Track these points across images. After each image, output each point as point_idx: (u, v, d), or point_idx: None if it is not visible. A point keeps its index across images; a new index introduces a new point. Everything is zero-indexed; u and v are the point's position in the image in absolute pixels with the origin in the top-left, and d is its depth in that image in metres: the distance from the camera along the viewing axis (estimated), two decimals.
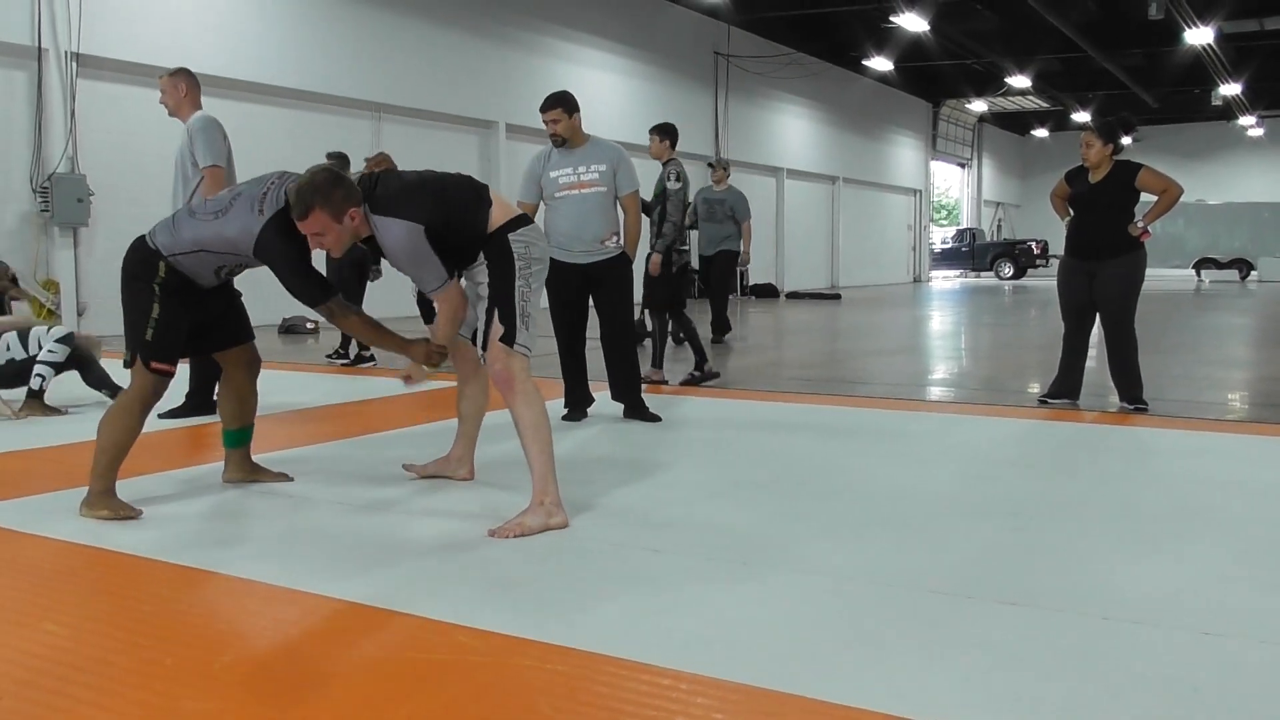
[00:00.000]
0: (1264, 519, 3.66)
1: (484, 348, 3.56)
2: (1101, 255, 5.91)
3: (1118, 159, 5.95)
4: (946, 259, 35.04)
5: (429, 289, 3.53)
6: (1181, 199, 5.98)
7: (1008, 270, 32.36)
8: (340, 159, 7.56)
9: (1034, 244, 33.00)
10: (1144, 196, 5.93)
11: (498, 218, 3.56)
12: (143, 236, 3.68)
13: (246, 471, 4.07)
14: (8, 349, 5.72)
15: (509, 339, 3.49)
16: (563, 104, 5.42)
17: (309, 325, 11.75)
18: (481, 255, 3.58)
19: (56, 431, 5.21)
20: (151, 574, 3.03)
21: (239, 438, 4.03)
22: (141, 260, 3.62)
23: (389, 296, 9.19)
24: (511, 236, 3.54)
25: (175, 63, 12.09)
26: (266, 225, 3.45)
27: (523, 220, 3.62)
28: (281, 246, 3.46)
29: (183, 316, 3.65)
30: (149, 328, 3.58)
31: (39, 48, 10.86)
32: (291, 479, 4.11)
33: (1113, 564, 3.08)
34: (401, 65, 14.86)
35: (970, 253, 34.17)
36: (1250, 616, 2.63)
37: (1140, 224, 5.86)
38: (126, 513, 3.55)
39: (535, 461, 3.46)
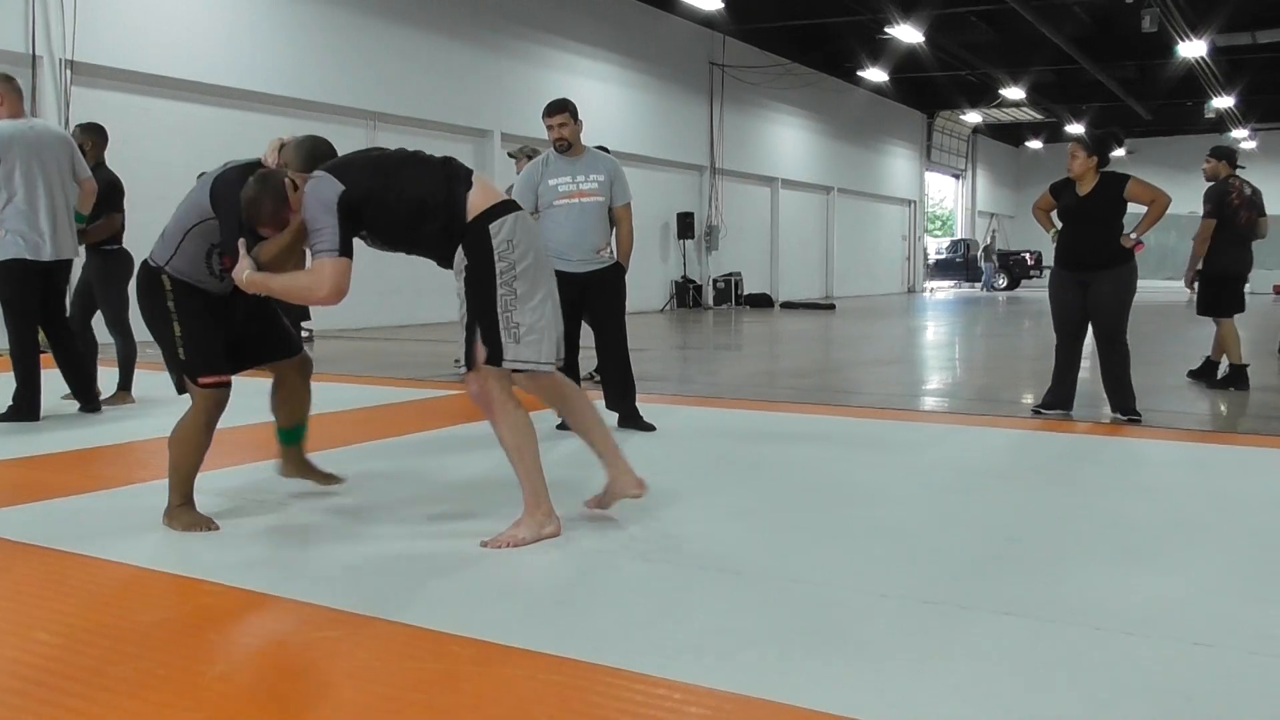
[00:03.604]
0: (1256, 530, 3.68)
1: (468, 366, 3.32)
2: (1093, 267, 5.92)
3: (1105, 171, 5.97)
4: (941, 269, 35.08)
5: (316, 247, 3.22)
6: (1175, 211, 6.01)
7: (1001, 281, 32.47)
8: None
9: (1028, 255, 33.11)
10: (1132, 207, 5.95)
11: (477, 203, 3.22)
12: (145, 260, 3.70)
13: (300, 468, 4.08)
14: None
15: (495, 359, 3.23)
16: (570, 109, 5.47)
17: (304, 333, 11.73)
18: (461, 253, 3.24)
19: (50, 440, 5.19)
20: (144, 583, 3.03)
21: (293, 435, 4.04)
22: (145, 281, 3.63)
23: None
24: (491, 227, 3.20)
25: (170, 70, 12.19)
26: (229, 170, 3.50)
27: (508, 207, 3.27)
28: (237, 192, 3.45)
29: (207, 323, 3.61)
30: (179, 347, 3.56)
31: (33, 55, 10.85)
32: (342, 480, 4.08)
33: (1105, 575, 3.09)
34: (397, 73, 14.87)
35: (964, 263, 34.25)
36: (1242, 627, 2.64)
37: (1132, 235, 5.87)
38: (203, 524, 3.57)
39: (524, 479, 3.38)
